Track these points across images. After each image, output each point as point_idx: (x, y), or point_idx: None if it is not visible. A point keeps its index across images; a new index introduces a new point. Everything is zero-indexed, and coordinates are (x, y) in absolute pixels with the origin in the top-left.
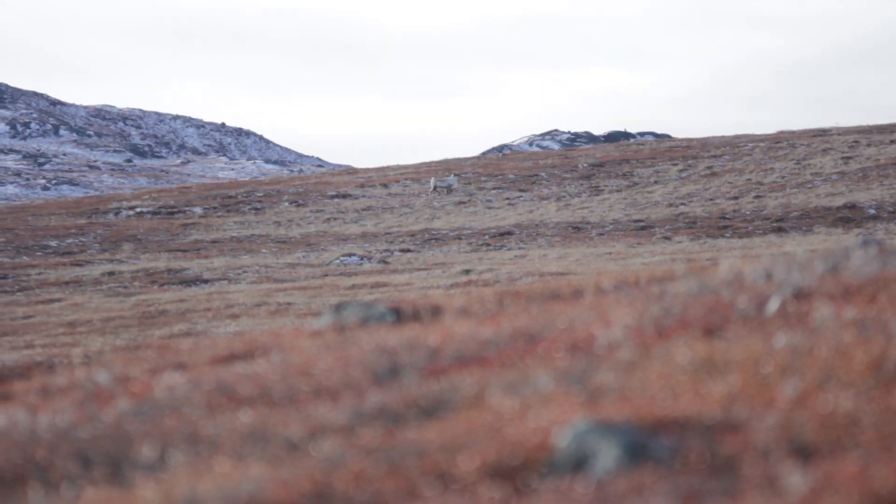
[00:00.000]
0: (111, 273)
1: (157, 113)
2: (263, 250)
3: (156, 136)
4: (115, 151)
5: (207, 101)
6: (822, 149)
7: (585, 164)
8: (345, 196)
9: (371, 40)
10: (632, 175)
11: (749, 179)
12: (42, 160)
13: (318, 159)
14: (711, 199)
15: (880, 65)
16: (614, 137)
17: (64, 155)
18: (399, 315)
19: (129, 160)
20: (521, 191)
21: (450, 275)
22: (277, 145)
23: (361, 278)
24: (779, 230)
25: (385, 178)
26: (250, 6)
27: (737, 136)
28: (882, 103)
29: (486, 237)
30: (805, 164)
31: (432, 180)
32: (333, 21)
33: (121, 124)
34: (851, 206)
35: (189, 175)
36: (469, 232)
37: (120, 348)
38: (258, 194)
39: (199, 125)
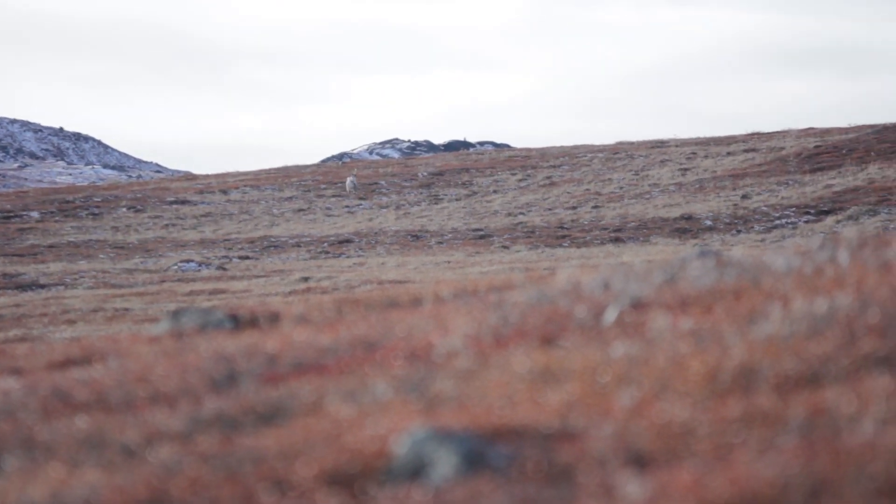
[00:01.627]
0: None
1: None
2: (101, 256)
3: None
4: None
5: (46, 106)
6: (661, 160)
7: (425, 173)
8: (184, 202)
9: (211, 45)
10: (471, 184)
11: (587, 189)
12: None
13: (158, 165)
14: (550, 209)
15: (718, 77)
16: (454, 146)
17: None
18: (237, 322)
19: None
20: (360, 199)
21: (288, 282)
22: (116, 150)
23: (200, 284)
24: (617, 240)
25: (225, 184)
26: (90, 8)
27: (575, 147)
28: (719, 115)
29: (326, 245)
30: (643, 174)
31: (348, 181)
32: (176, 25)
33: None
34: (688, 217)
35: (26, 179)
36: (308, 239)
37: None
38: (96, 199)
39: (37, 129)
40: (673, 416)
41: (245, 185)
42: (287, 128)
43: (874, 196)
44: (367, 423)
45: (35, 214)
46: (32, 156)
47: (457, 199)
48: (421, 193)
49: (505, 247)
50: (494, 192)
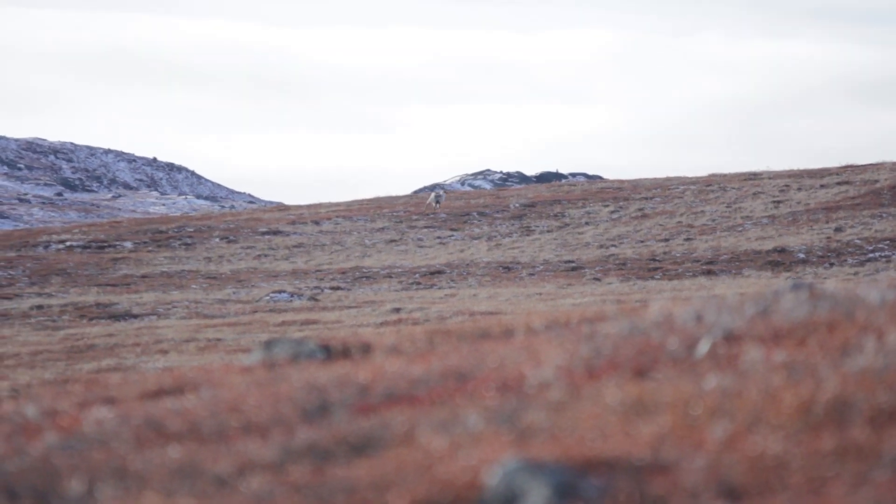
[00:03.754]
0: (40, 307)
1: (88, 147)
2: (193, 286)
3: (87, 170)
4: (45, 185)
5: (140, 136)
6: (753, 192)
7: (517, 205)
8: (276, 232)
9: (306, 76)
10: (563, 216)
11: (679, 222)
12: None
13: (250, 195)
14: (642, 241)
15: (812, 109)
16: (546, 178)
17: None
18: (329, 352)
19: (60, 194)
20: (452, 230)
21: (380, 313)
22: (209, 181)
23: (291, 315)
24: (709, 273)
25: (317, 214)
26: (184, 40)
27: (668, 179)
28: (812, 148)
29: (417, 276)
30: (736, 207)
31: (432, 195)
32: (268, 56)
33: (52, 157)
34: (781, 250)
35: (120, 209)
36: (399, 270)
37: (48, 382)
38: (189, 229)
39: (131, 159)
40: (766, 449)
41: (337, 216)
42: (380, 159)
43: None
44: (458, 454)
45: (128, 244)
46: (126, 186)
47: (548, 231)
48: (513, 225)
49: (596, 279)
50: (586, 223)
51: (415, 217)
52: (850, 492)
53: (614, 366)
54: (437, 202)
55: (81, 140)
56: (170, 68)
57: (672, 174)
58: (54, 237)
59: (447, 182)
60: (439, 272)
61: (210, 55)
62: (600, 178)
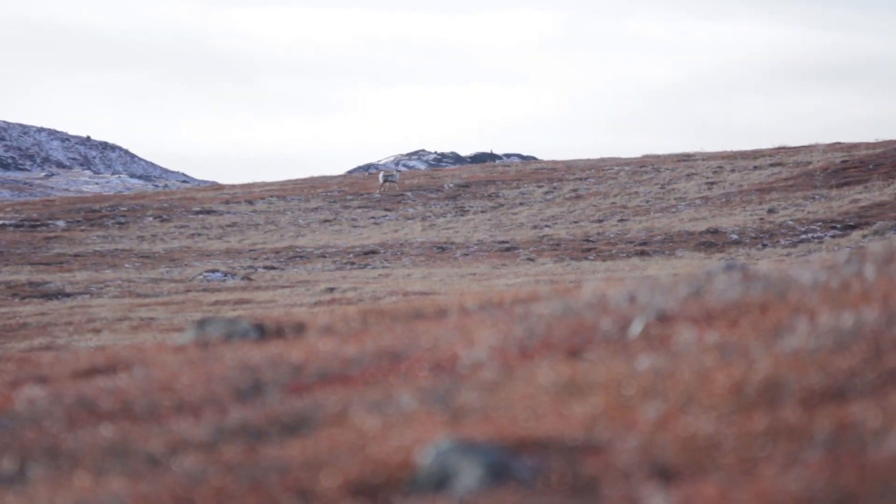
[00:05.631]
0: None
1: (21, 125)
2: (127, 265)
3: (20, 149)
4: None
5: (73, 115)
6: (687, 174)
7: (451, 185)
8: (210, 212)
9: (242, 56)
10: (497, 196)
11: (613, 203)
12: None
13: (184, 175)
14: (576, 222)
15: (745, 91)
16: (480, 158)
17: None
18: (262, 332)
19: None
20: (386, 210)
21: (314, 293)
22: (143, 160)
23: (225, 294)
24: (642, 253)
25: (251, 194)
26: (120, 19)
27: (602, 160)
28: (746, 129)
29: (351, 256)
30: (669, 188)
31: (381, 174)
32: (204, 35)
33: None
34: (714, 231)
35: (53, 188)
36: (334, 250)
37: None
38: (122, 209)
39: (64, 138)
40: (698, 430)
41: (271, 196)
42: (314, 139)
43: None
44: (391, 434)
45: (61, 223)
46: (59, 165)
47: (483, 212)
48: (447, 205)
49: (530, 259)
50: (520, 204)
51: (349, 197)
52: (781, 472)
53: (547, 346)
54: (389, 180)
55: (14, 118)
56: (104, 47)
57: (606, 155)
58: None
59: (381, 162)
60: (373, 252)
61: (146, 33)
62: (535, 159)
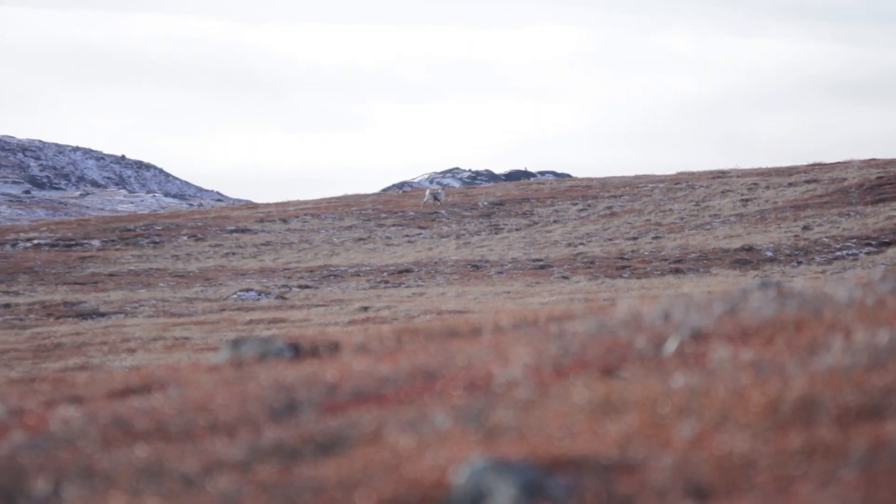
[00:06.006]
0: (7, 305)
1: (56, 144)
2: (161, 284)
3: (55, 168)
4: (13, 182)
5: (108, 134)
6: (721, 190)
7: (486, 203)
8: (244, 231)
9: (275, 74)
10: (532, 214)
11: (648, 220)
12: None
13: (218, 193)
14: (610, 240)
15: (780, 107)
16: (515, 176)
17: None
18: (297, 351)
19: (28, 191)
20: (420, 228)
21: (348, 311)
22: (177, 179)
23: (259, 314)
24: (677, 271)
25: (285, 213)
26: (154, 38)
27: (637, 177)
28: (781, 146)
29: (385, 274)
30: (704, 205)
31: (428, 191)
32: (237, 54)
33: (20, 155)
34: (749, 249)
35: (88, 207)
36: (368, 269)
37: (15, 381)
38: (157, 227)
39: (99, 157)
40: (733, 448)
41: (305, 214)
42: (347, 157)
43: None
44: (426, 453)
45: (96, 243)
46: (94, 184)
47: (517, 229)
48: (481, 223)
49: (565, 277)
50: (555, 222)
51: (383, 215)
52: (816, 490)
53: (582, 364)
54: (436, 199)
55: (49, 138)
56: (138, 66)
57: (641, 172)
58: (22, 235)
59: (415, 180)
60: (407, 270)
61: (179, 53)
62: (569, 176)
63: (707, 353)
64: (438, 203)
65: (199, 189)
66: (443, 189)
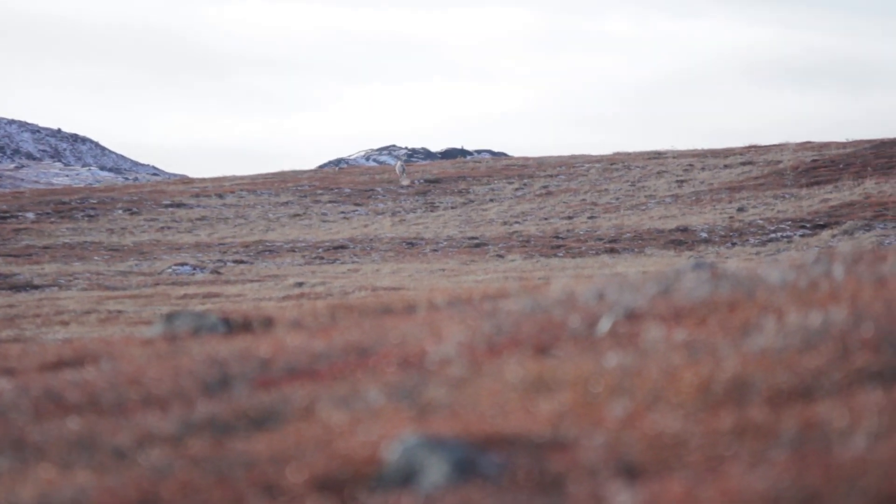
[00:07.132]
0: None
1: None
2: (95, 258)
3: None
4: None
5: (44, 107)
6: (657, 171)
7: (421, 180)
8: (179, 205)
9: (213, 51)
10: (468, 192)
11: (584, 199)
12: None
13: (154, 168)
14: (546, 219)
15: (717, 90)
16: (451, 154)
17: None
18: (231, 326)
19: None
20: (356, 205)
21: (283, 287)
22: (113, 152)
23: (194, 288)
24: (612, 251)
25: (221, 188)
26: (91, 11)
27: (573, 157)
28: (717, 128)
29: (321, 250)
30: (640, 186)
31: (397, 165)
32: (176, 30)
33: None
34: (684, 230)
35: (23, 180)
36: (303, 245)
37: None
38: (92, 201)
39: (35, 130)
40: (665, 428)
41: (241, 190)
42: (285, 133)
43: (870, 211)
44: (358, 429)
45: (31, 215)
46: (29, 156)
47: (453, 207)
48: (417, 201)
49: (500, 256)
50: (491, 200)
51: (319, 192)
52: (747, 470)
53: (516, 343)
54: (403, 171)
55: None
56: (76, 39)
57: (577, 152)
58: None
59: (352, 157)
60: (343, 247)
61: (117, 27)
62: (506, 155)
63: (640, 333)
64: (405, 174)
65: (135, 163)
66: (402, 162)
